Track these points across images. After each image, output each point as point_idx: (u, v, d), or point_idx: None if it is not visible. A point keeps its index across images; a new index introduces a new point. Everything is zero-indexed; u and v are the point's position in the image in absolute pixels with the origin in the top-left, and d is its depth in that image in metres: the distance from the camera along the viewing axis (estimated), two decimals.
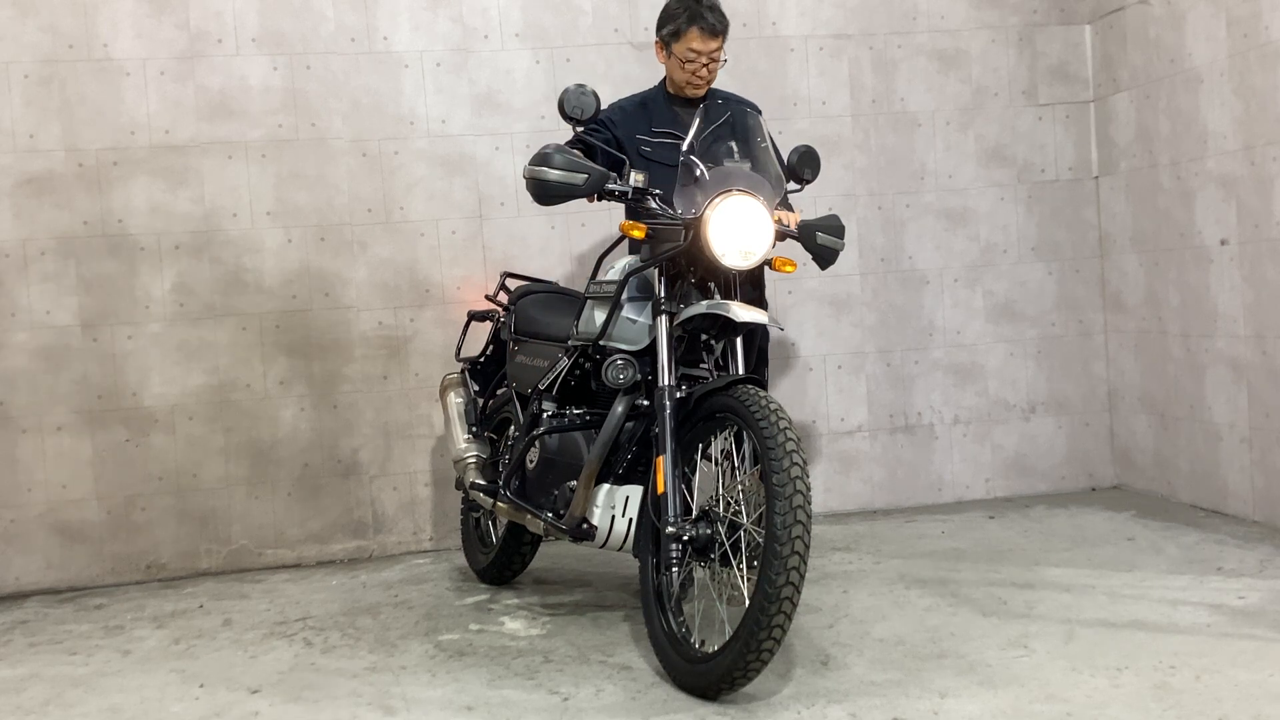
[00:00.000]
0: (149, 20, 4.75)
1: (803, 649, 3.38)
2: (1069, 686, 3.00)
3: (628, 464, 3.43)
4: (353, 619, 4.00)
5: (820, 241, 3.64)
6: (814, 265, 3.79)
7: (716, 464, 3.29)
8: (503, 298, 4.31)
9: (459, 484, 4.26)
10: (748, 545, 3.05)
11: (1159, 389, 5.10)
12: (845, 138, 5.23)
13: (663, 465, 3.17)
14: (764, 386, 3.28)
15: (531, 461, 3.78)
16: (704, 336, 3.38)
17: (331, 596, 4.33)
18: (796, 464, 2.90)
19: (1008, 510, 5.11)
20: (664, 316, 3.31)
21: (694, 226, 3.24)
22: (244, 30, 4.82)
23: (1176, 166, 4.86)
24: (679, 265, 3.35)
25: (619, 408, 3.40)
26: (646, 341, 3.37)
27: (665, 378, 3.24)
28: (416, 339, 4.96)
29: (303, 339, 4.88)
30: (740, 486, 3.16)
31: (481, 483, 4.07)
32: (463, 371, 4.42)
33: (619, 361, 3.36)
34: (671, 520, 3.12)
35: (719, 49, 4.00)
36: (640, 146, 3.97)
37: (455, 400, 4.32)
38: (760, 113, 3.74)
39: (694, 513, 3.19)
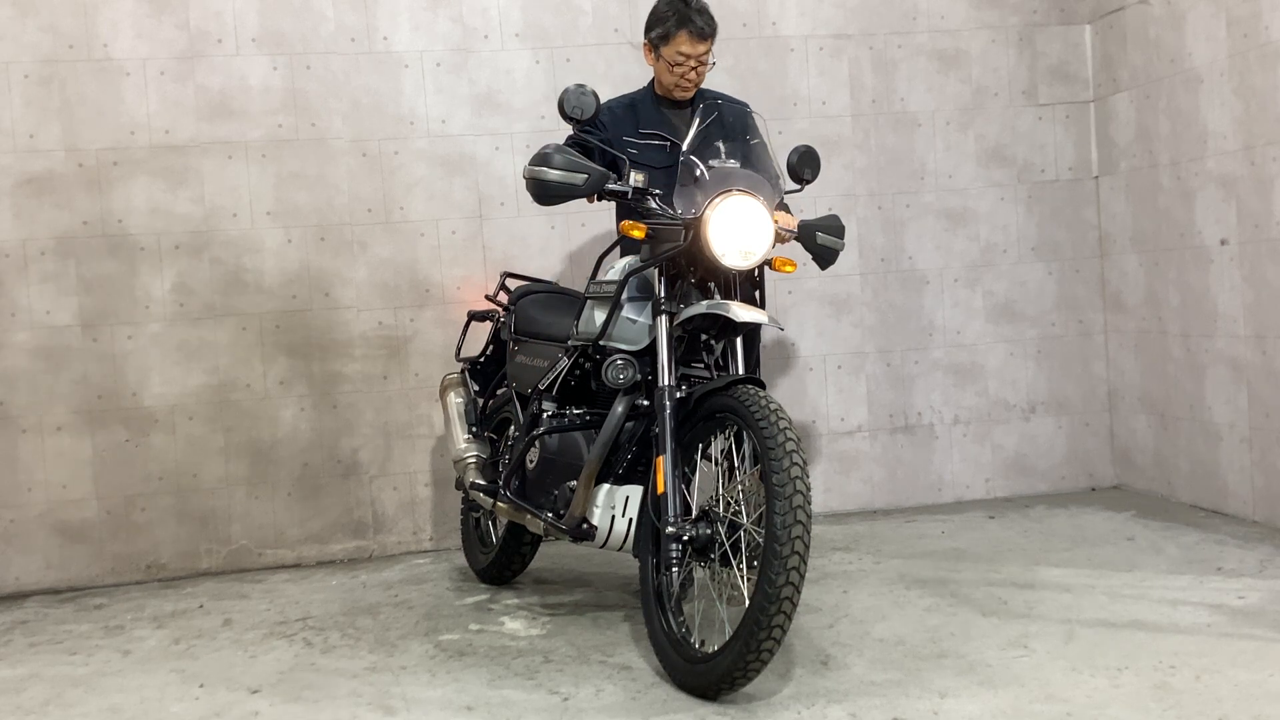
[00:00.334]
0: (149, 20, 4.75)
1: (803, 649, 3.38)
2: (1069, 686, 3.00)
3: (628, 464, 3.43)
4: (353, 619, 4.00)
5: (820, 241, 3.64)
6: (814, 265, 3.79)
7: (716, 464, 3.29)
8: (503, 298, 4.30)
9: (459, 484, 4.26)
10: (748, 545, 3.05)
11: (1159, 389, 5.10)
12: (845, 138, 5.23)
13: (663, 465, 3.17)
14: (763, 386, 3.27)
15: (531, 461, 3.78)
16: (704, 336, 3.38)
17: (331, 596, 4.33)
18: (796, 464, 2.90)
19: (1008, 510, 5.11)
20: (664, 316, 3.31)
21: (694, 226, 3.24)
22: (244, 30, 4.82)
23: (1176, 166, 4.86)
24: (679, 265, 3.35)
25: (619, 408, 3.40)
26: (646, 341, 3.37)
27: (665, 378, 3.25)
28: (416, 339, 4.96)
29: (303, 339, 4.88)
30: (740, 486, 3.16)
31: (481, 483, 4.07)
32: (463, 371, 4.42)
33: (619, 361, 3.36)
34: (671, 520, 3.12)
35: (708, 52, 3.98)
36: (627, 148, 3.93)
37: (455, 400, 4.32)
38: (754, 112, 3.72)
39: (694, 513, 3.19)
